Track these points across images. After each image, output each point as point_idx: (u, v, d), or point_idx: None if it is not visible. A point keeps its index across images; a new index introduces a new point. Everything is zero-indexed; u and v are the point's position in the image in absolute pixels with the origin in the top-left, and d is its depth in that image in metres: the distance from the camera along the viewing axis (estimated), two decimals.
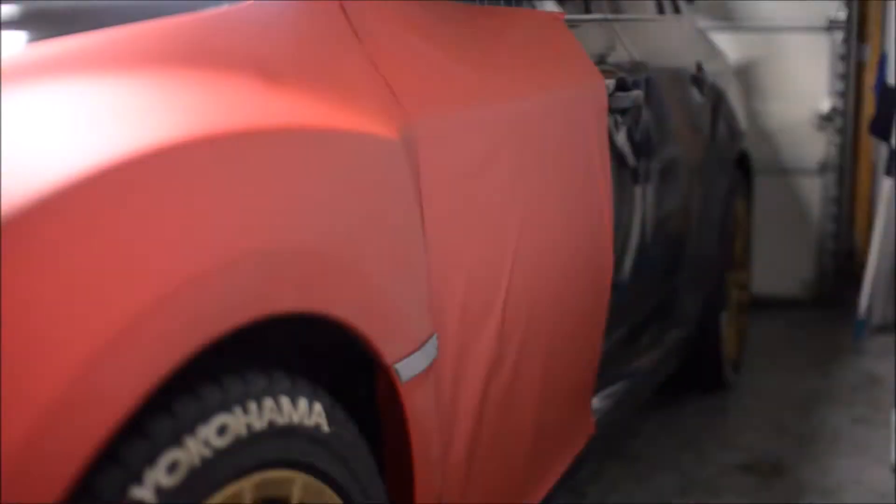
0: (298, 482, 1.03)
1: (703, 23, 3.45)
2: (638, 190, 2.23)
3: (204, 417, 0.91)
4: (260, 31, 1.14)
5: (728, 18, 3.82)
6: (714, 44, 3.32)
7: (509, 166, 1.51)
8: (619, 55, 2.18)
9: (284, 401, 1.01)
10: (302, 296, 1.01)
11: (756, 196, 3.62)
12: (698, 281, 2.78)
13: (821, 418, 2.91)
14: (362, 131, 1.15)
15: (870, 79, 3.90)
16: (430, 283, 1.26)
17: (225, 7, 1.13)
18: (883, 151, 3.95)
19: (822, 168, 3.93)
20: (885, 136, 3.40)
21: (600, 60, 1.99)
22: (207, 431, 0.91)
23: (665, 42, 2.71)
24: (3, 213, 0.76)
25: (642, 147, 2.21)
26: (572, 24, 1.93)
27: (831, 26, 3.79)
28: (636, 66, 2.21)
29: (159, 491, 0.86)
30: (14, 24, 1.06)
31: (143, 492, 0.85)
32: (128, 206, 0.83)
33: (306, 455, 1.04)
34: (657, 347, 2.54)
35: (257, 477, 0.98)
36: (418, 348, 1.21)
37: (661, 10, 2.85)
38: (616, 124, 1.99)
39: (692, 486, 2.47)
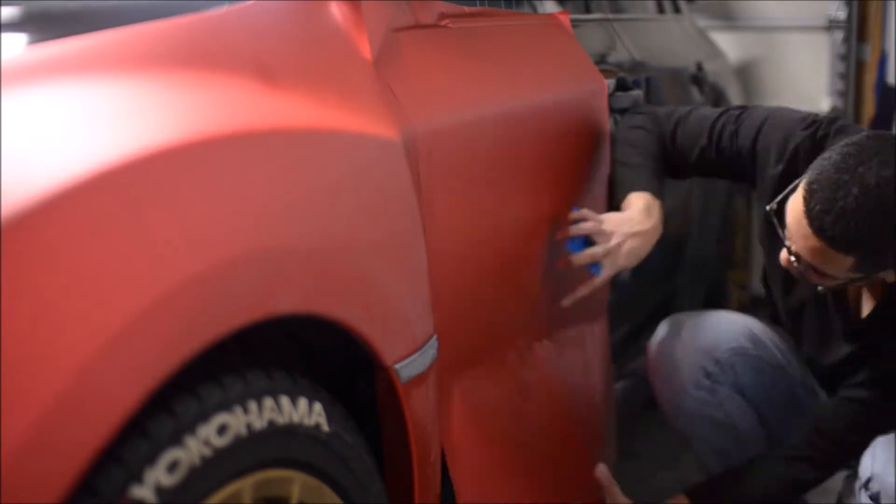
0: (298, 482, 1.03)
1: (703, 23, 3.45)
2: None
3: (204, 417, 0.91)
4: (261, 31, 1.14)
5: (728, 18, 3.81)
6: (714, 43, 3.32)
7: (510, 167, 1.51)
8: (619, 55, 2.18)
9: (284, 400, 1.01)
10: (302, 297, 1.01)
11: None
12: (698, 281, 2.78)
13: None
14: (363, 132, 1.15)
15: (870, 78, 3.90)
16: (430, 284, 1.26)
17: (226, 8, 1.13)
18: None
19: None
20: None
21: (600, 60, 1.99)
22: (208, 431, 0.91)
23: (665, 42, 2.71)
24: (3, 214, 0.76)
25: None
26: (573, 24, 1.93)
27: (831, 26, 3.78)
28: (636, 66, 2.21)
29: (159, 490, 0.86)
30: (15, 25, 1.07)
31: (143, 491, 0.85)
32: (128, 207, 0.84)
33: (306, 455, 1.04)
34: None
35: (257, 476, 0.98)
36: (418, 349, 1.21)
37: (661, 10, 2.85)
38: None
39: None
